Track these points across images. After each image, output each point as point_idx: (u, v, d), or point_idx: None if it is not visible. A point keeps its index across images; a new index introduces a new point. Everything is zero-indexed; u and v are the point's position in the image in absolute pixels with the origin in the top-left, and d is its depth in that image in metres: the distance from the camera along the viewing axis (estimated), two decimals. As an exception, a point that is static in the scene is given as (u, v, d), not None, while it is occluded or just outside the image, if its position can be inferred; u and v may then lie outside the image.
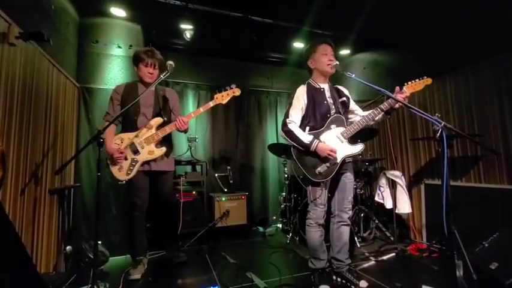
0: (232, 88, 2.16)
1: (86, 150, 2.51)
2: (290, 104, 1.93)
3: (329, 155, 1.78)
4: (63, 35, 2.44)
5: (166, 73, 1.99)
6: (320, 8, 2.93)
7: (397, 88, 1.81)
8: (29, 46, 1.82)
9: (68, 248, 2.25)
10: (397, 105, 1.81)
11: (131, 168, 2.07)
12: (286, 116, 1.91)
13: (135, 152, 2.08)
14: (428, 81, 1.80)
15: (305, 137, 1.83)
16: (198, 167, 3.52)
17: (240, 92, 2.19)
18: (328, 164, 1.81)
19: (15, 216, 1.66)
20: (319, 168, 1.81)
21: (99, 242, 2.17)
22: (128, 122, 2.15)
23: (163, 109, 2.22)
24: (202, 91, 3.91)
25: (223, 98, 2.16)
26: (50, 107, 2.15)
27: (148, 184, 2.21)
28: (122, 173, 2.06)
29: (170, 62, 2.01)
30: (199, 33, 3.20)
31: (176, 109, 2.34)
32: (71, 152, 2.54)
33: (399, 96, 1.76)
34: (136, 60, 2.18)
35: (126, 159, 2.07)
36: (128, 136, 2.10)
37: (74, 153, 2.54)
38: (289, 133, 1.85)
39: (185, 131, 2.19)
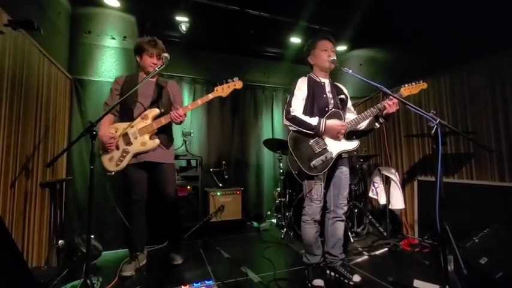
0: (233, 80, 2.08)
1: (79, 143, 2.46)
2: (291, 94, 1.93)
3: (340, 130, 1.79)
4: (55, 24, 2.36)
5: (162, 65, 1.96)
6: (317, 3, 2.90)
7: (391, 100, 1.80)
8: (18, 35, 1.76)
9: (60, 242, 2.22)
10: (391, 110, 1.77)
11: (121, 159, 1.98)
12: (289, 105, 1.90)
13: (128, 143, 2.00)
14: (423, 85, 1.85)
15: (311, 119, 1.83)
16: (193, 162, 3.49)
17: (241, 84, 2.10)
18: (323, 158, 1.81)
19: (5, 209, 1.63)
20: (314, 162, 1.81)
21: (92, 236, 2.15)
22: (125, 112, 2.08)
23: (161, 100, 2.13)
24: (198, 85, 3.86)
25: (223, 90, 2.07)
26: (41, 99, 2.09)
27: (145, 178, 2.13)
28: (111, 163, 1.98)
29: (165, 55, 1.97)
30: (195, 26, 3.15)
31: (178, 101, 2.25)
32: (63, 145, 2.49)
33: (391, 102, 1.76)
34: (139, 50, 2.12)
35: (117, 148, 1.99)
36: (123, 126, 2.03)
37: (66, 146, 2.49)
38: (294, 119, 1.84)
39: (180, 123, 2.09)
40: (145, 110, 2.08)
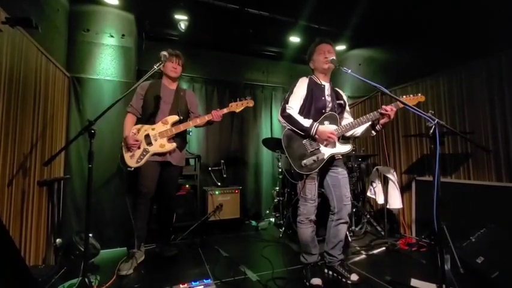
0: (247, 99, 2.37)
1: (76, 142, 2.45)
2: (291, 92, 1.95)
3: (329, 137, 1.80)
4: (53, 22, 2.35)
5: (160, 64, 1.97)
6: (317, 2, 2.90)
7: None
8: (16, 32, 1.75)
9: (58, 240, 2.21)
10: (392, 115, 1.78)
11: (141, 157, 2.18)
12: (286, 102, 1.91)
13: (149, 143, 2.20)
14: (421, 98, 1.87)
15: (305, 121, 1.85)
16: (191, 161, 3.49)
17: (253, 103, 2.39)
18: (315, 158, 1.82)
19: (2, 208, 1.62)
20: (305, 161, 1.82)
21: (90, 235, 2.14)
22: (147, 115, 2.28)
23: (180, 108, 2.34)
24: (197, 84, 3.86)
25: (237, 106, 2.35)
26: (39, 97, 2.08)
27: (157, 175, 2.28)
28: (132, 160, 2.17)
29: (164, 53, 1.98)
30: (194, 25, 3.14)
31: (195, 108, 2.49)
32: (61, 143, 2.48)
33: (388, 108, 1.77)
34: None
35: (139, 147, 2.18)
36: (145, 128, 2.23)
37: (64, 144, 2.48)
38: (288, 118, 1.86)
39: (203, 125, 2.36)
40: (164, 114, 2.27)
